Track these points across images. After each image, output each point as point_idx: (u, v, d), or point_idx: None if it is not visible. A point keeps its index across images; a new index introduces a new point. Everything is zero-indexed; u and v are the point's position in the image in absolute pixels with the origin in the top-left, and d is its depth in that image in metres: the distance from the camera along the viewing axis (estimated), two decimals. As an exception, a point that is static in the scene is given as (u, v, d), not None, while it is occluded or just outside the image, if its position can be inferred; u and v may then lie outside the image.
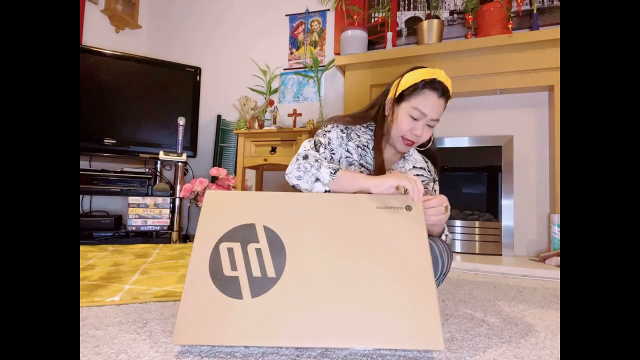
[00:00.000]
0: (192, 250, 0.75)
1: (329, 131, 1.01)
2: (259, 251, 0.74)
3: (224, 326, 0.67)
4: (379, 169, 1.00)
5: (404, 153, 1.09)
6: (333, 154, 1.01)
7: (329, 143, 1.00)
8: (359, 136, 1.05)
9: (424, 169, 1.09)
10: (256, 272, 0.72)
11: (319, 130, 1.03)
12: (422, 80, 0.95)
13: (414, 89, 0.96)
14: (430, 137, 1.07)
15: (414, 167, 1.08)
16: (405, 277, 0.71)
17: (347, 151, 1.02)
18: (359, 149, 1.03)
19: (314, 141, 1.00)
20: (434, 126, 0.99)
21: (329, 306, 0.69)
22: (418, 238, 0.76)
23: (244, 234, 0.76)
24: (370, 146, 1.04)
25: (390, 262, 0.73)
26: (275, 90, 2.69)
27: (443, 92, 0.95)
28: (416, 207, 0.79)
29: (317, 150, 0.98)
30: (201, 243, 0.75)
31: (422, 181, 1.06)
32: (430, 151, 1.12)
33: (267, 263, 0.73)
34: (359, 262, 0.73)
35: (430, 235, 0.96)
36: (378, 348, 0.69)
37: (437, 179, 1.11)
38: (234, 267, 0.72)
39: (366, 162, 1.02)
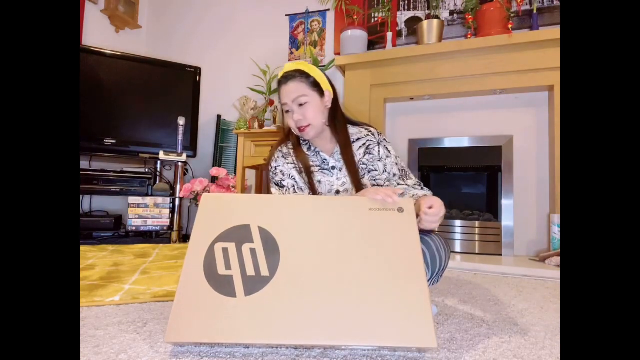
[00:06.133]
0: (187, 251, 0.76)
1: (276, 167, 1.10)
2: (253, 251, 0.75)
3: (217, 324, 0.68)
4: (305, 168, 1.06)
5: (337, 140, 1.10)
6: (293, 177, 1.08)
7: (283, 174, 1.08)
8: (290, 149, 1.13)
9: (369, 135, 1.11)
10: (250, 271, 0.73)
11: (270, 172, 1.11)
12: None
13: (278, 94, 1.08)
14: (340, 116, 1.11)
15: (353, 142, 1.10)
16: (397, 276, 0.72)
17: (293, 163, 1.09)
18: (295, 162, 1.10)
19: (275, 183, 1.09)
20: (303, 103, 1.03)
21: (322, 304, 0.69)
22: (409, 239, 0.77)
23: (238, 234, 0.77)
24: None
25: (383, 262, 0.74)
26: (276, 90, 2.68)
27: (287, 78, 1.04)
28: (407, 209, 0.81)
29: (283, 187, 1.08)
30: (196, 243, 0.76)
31: (369, 145, 1.09)
32: (357, 123, 1.16)
33: (261, 262, 0.74)
34: (352, 262, 0.74)
35: (428, 232, 0.97)
36: (371, 346, 0.69)
37: (384, 140, 1.12)
38: (228, 266, 0.74)
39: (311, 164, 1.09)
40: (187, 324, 0.68)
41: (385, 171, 1.09)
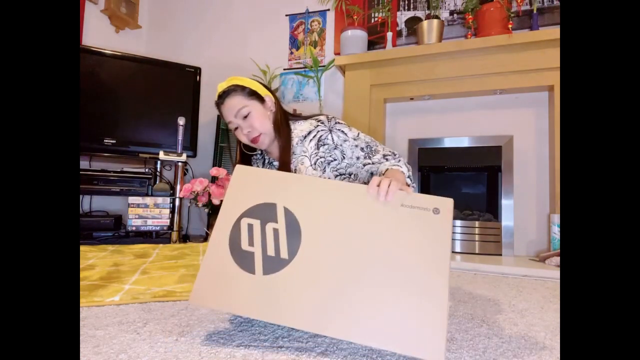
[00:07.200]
0: (216, 221, 0.79)
1: None
2: (276, 231, 0.76)
3: (234, 296, 0.71)
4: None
5: (277, 143, 1.08)
6: None
7: None
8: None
9: (318, 125, 1.06)
10: (270, 251, 0.74)
11: None
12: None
13: (220, 114, 1.09)
14: (280, 117, 1.08)
15: (304, 137, 1.06)
16: (418, 282, 0.68)
17: None
18: None
19: None
20: (246, 114, 1.03)
21: (335, 297, 0.69)
22: (439, 243, 0.71)
23: (265, 212, 0.78)
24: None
25: (406, 263, 0.70)
26: (275, 90, 2.68)
27: (223, 96, 1.04)
28: (444, 210, 0.74)
29: None
30: (225, 215, 0.79)
31: (320, 136, 1.04)
32: (306, 117, 1.13)
33: (282, 244, 0.75)
34: (374, 258, 0.71)
35: None
36: (378, 347, 0.69)
37: (336, 124, 1.06)
38: (251, 242, 0.75)
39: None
40: (209, 291, 0.72)
41: (344, 158, 1.04)
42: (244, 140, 1.06)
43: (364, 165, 1.01)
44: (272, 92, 1.10)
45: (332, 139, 1.04)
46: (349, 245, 0.73)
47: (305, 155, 1.03)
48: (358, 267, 0.71)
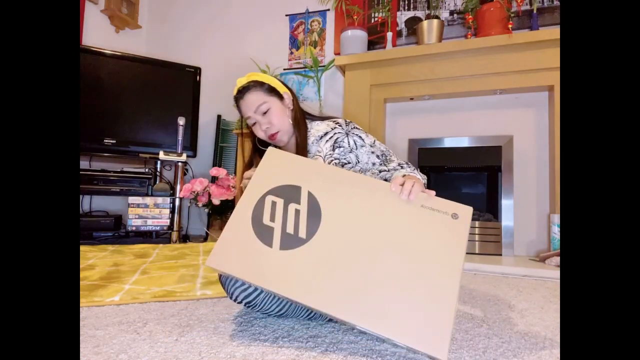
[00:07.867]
0: (243, 194, 0.84)
1: None
2: (297, 212, 0.79)
3: (249, 265, 0.74)
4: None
5: (295, 141, 1.09)
6: None
7: None
8: None
9: (335, 128, 1.06)
10: (289, 229, 0.77)
11: None
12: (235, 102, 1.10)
13: (238, 109, 1.11)
14: (299, 115, 1.10)
15: (320, 138, 1.06)
16: (430, 280, 0.70)
17: None
18: None
19: None
20: (266, 110, 1.04)
21: (347, 281, 0.71)
22: (455, 247, 0.73)
23: (289, 193, 0.82)
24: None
25: (419, 260, 0.72)
26: (277, 90, 2.68)
27: (242, 91, 1.05)
28: (463, 217, 0.76)
29: None
30: (252, 190, 0.83)
31: (337, 138, 1.04)
32: (323, 117, 1.13)
33: (301, 224, 0.78)
34: (389, 251, 0.73)
35: None
36: (381, 335, 0.68)
37: (353, 129, 1.07)
38: (272, 218, 0.79)
39: None
40: (226, 257, 0.75)
41: (359, 162, 1.05)
42: (262, 136, 1.07)
43: (380, 171, 1.03)
44: (290, 90, 1.11)
45: (349, 142, 1.05)
46: (366, 235, 0.75)
47: (320, 156, 1.03)
48: (372, 257, 0.73)
